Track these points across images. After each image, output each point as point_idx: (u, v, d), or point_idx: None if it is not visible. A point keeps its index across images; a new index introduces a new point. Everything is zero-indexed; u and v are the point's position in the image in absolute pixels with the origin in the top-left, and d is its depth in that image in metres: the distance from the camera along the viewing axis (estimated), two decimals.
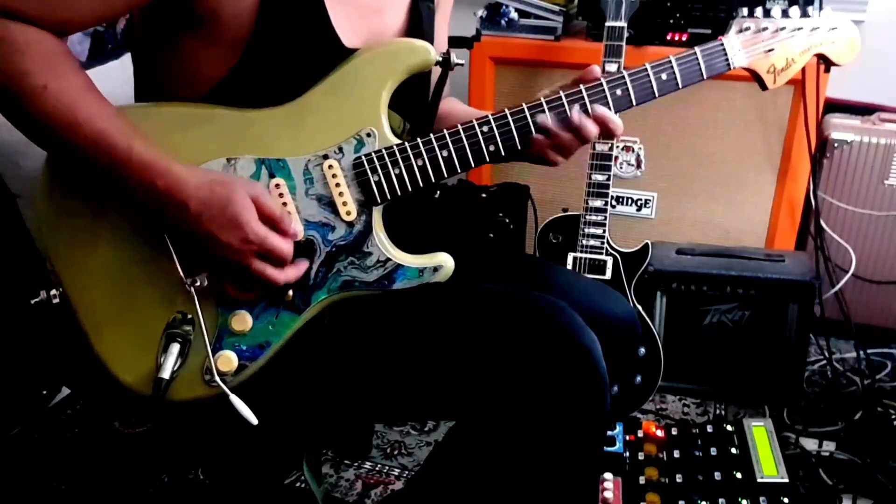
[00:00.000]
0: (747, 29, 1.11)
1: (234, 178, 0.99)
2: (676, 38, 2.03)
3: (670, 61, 1.08)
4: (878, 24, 2.31)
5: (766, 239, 2.17)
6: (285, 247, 0.98)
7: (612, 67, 1.86)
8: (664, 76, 1.08)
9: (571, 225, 1.96)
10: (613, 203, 2.15)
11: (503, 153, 1.06)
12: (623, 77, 1.07)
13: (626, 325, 1.22)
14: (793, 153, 2.05)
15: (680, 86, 1.09)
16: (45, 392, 1.78)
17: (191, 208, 0.94)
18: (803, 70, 1.91)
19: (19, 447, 1.78)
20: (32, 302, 1.02)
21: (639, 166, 2.18)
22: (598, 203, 1.91)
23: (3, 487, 1.68)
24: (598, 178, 1.90)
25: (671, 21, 2.03)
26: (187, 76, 1.03)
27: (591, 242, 1.94)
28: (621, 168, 2.19)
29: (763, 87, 1.14)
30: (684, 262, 2.01)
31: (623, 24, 1.85)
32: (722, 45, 1.10)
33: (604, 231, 1.93)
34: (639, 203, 2.22)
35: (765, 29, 1.11)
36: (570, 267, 1.96)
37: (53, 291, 1.02)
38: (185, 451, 1.74)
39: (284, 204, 1.02)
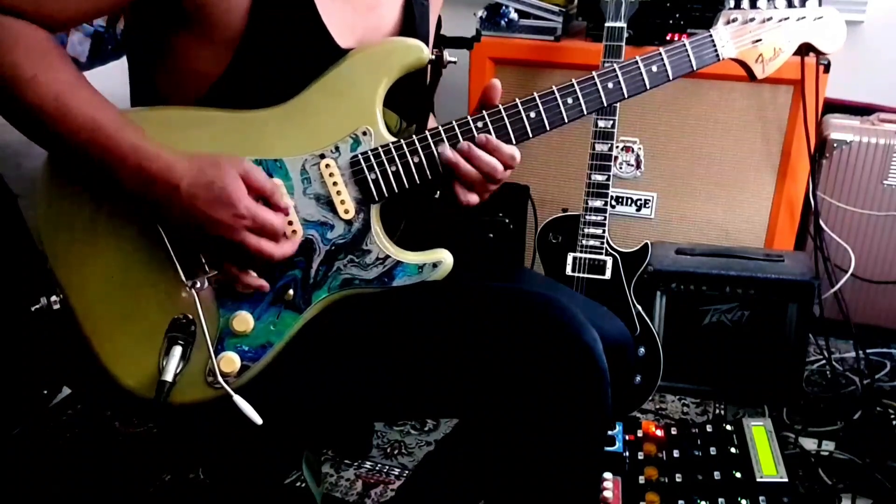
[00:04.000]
0: (735, 20, 1.12)
1: (222, 156, 0.98)
2: (676, 39, 2.03)
3: (660, 54, 1.09)
4: (878, 25, 2.31)
5: (765, 239, 2.17)
6: (277, 220, 0.98)
7: None
8: (654, 68, 1.09)
9: (571, 225, 1.97)
10: (613, 203, 2.15)
11: None
12: (614, 70, 1.08)
13: (620, 346, 1.20)
14: (792, 153, 2.06)
15: (670, 77, 1.10)
16: (45, 392, 1.78)
17: (181, 190, 0.94)
18: (802, 70, 1.93)
19: (19, 447, 1.78)
20: (33, 309, 1.02)
21: (638, 166, 2.19)
22: (598, 203, 1.91)
23: (3, 487, 1.68)
24: (598, 178, 1.90)
25: (670, 21, 2.04)
26: (182, 77, 1.03)
27: (591, 242, 1.94)
28: (621, 168, 2.19)
29: (752, 77, 1.15)
30: (684, 262, 2.01)
31: (623, 24, 1.86)
32: (710, 36, 1.11)
33: (603, 231, 1.93)
34: (638, 203, 2.22)
35: (752, 20, 1.12)
36: (569, 267, 1.97)
37: (54, 298, 1.01)
38: (187, 451, 1.74)
39: None
